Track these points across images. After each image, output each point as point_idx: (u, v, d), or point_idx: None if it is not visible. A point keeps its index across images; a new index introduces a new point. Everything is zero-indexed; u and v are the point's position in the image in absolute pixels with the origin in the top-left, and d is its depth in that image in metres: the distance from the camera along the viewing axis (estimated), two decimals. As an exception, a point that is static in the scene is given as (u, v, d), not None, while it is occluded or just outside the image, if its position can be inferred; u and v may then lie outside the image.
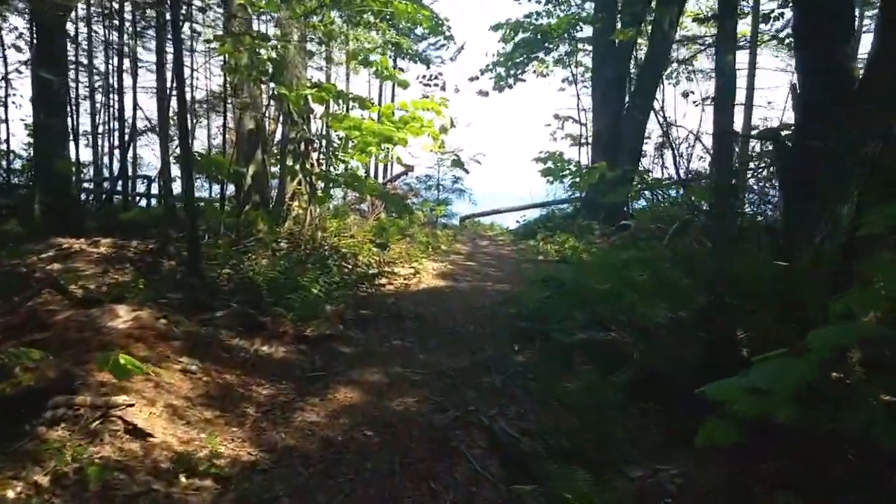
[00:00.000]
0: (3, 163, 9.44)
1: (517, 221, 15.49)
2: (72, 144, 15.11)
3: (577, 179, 10.76)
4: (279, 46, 7.31)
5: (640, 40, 13.70)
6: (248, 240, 7.87)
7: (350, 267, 7.91)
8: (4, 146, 10.16)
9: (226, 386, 4.04)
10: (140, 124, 14.07)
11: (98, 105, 13.37)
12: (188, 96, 16.16)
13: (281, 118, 8.53)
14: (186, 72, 14.97)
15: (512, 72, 14.22)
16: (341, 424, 3.67)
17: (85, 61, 12.92)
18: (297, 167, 8.42)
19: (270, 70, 7.43)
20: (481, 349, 5.26)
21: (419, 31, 15.53)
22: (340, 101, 8.13)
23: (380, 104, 12.61)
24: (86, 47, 12.72)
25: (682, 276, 6.34)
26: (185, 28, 14.89)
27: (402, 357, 4.99)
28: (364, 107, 7.87)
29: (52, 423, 3.08)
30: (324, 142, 9.32)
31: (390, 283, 7.93)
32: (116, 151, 14.25)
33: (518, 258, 10.63)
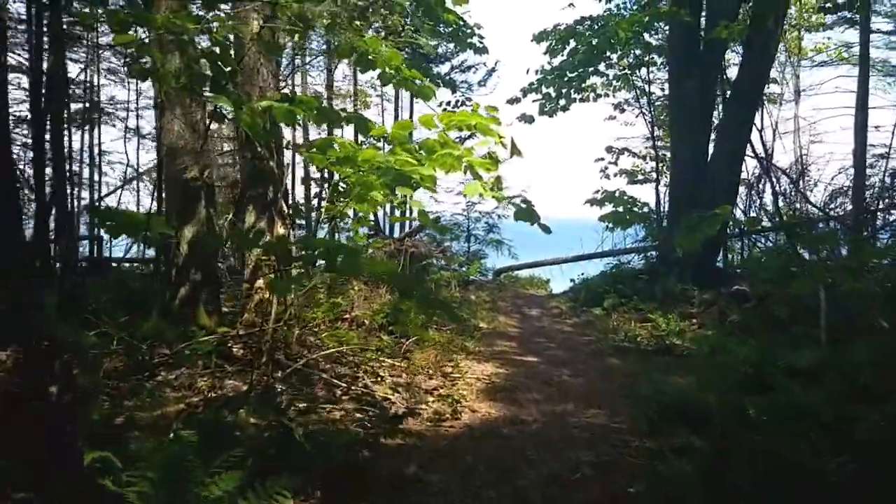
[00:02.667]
0: None
1: (571, 281, 12.25)
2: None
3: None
4: (218, 32, 4.36)
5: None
6: (178, 347, 4.82)
7: (343, 390, 4.78)
8: None
9: None
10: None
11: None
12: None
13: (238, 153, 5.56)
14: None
15: (564, 91, 11.19)
16: None
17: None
18: (264, 226, 5.40)
19: (209, 73, 4.45)
20: None
21: (441, 49, 12.75)
22: (327, 124, 5.11)
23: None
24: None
25: None
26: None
27: None
28: (363, 130, 4.79)
29: None
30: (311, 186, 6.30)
31: (411, 416, 4.77)
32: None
33: (594, 344, 7.37)
